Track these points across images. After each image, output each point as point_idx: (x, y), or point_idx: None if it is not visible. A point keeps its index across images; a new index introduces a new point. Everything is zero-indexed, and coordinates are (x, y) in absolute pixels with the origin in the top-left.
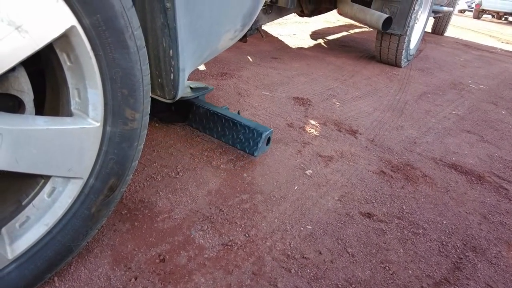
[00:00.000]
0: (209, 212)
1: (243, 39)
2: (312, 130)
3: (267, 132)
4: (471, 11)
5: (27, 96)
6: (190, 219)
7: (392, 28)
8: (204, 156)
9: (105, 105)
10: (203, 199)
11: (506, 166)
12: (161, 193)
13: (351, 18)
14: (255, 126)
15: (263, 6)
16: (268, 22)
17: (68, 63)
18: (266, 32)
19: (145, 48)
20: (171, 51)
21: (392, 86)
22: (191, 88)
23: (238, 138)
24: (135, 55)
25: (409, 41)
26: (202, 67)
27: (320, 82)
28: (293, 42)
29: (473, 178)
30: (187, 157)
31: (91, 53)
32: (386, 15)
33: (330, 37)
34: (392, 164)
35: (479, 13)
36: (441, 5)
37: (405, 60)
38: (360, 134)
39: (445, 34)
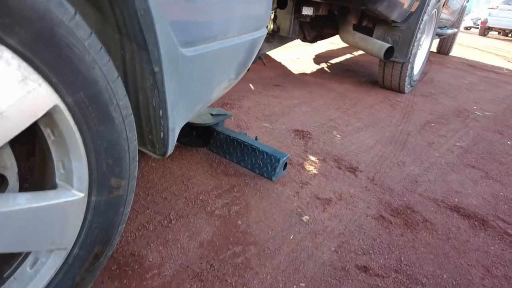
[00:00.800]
0: (200, 268)
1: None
2: (311, 168)
3: (284, 158)
4: (477, 28)
5: (10, 172)
6: (180, 276)
7: (395, 56)
8: (199, 200)
9: (90, 176)
10: (195, 252)
11: (511, 208)
12: (152, 245)
13: (353, 46)
14: (272, 152)
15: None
16: (270, 50)
17: (52, 138)
18: (269, 57)
19: (132, 116)
20: (160, 112)
21: (395, 115)
22: (211, 114)
23: (256, 163)
24: (120, 125)
25: (412, 68)
26: None
27: (321, 111)
28: (296, 67)
29: (476, 222)
30: (181, 202)
31: (75, 128)
32: (388, 45)
33: (334, 61)
34: (392, 207)
35: (485, 31)
36: (446, 27)
37: (408, 86)
38: (360, 171)
39: (450, 54)
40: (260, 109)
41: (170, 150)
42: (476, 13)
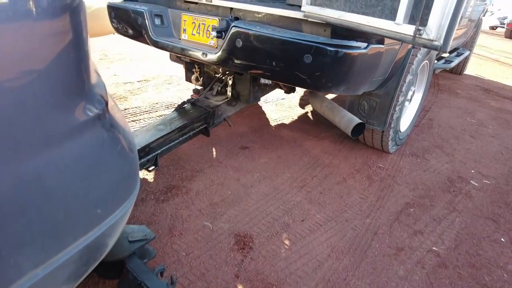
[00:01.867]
0: None
1: (206, 133)
2: None
3: None
4: (503, 27)
5: None
6: None
7: (371, 124)
8: None
9: None
10: None
11: None
12: None
13: (320, 113)
14: None
15: (225, 98)
16: (235, 112)
17: None
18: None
19: None
20: None
21: (368, 196)
22: (129, 241)
23: None
24: None
25: (396, 131)
26: (150, 176)
27: (281, 194)
28: (275, 115)
29: None
30: None
31: None
32: (356, 121)
33: None
34: None
35: (511, 33)
36: (452, 56)
37: (394, 147)
38: None
39: (464, 73)
40: (210, 194)
41: None
42: (503, 11)
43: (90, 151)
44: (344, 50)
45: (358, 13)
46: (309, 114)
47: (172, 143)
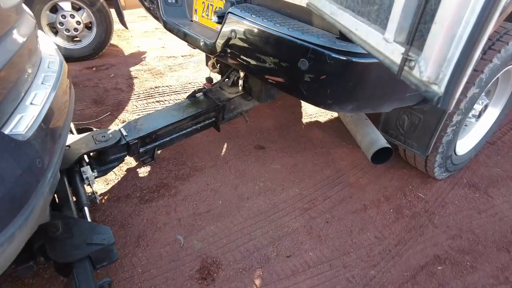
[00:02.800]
0: None
1: (216, 128)
2: None
3: None
4: None
5: None
6: None
7: (410, 144)
8: None
9: None
10: None
11: None
12: None
13: (344, 124)
14: None
15: (239, 92)
16: (252, 107)
17: None
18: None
19: None
20: None
21: (387, 237)
22: (86, 243)
23: None
24: None
25: (448, 156)
26: (147, 170)
27: (277, 217)
28: (313, 109)
29: None
30: None
31: None
32: (380, 146)
33: None
34: None
35: None
36: None
37: (442, 172)
38: None
39: None
40: (197, 201)
41: None
42: None
43: None
44: (350, 58)
45: (353, 10)
46: None
47: (174, 135)
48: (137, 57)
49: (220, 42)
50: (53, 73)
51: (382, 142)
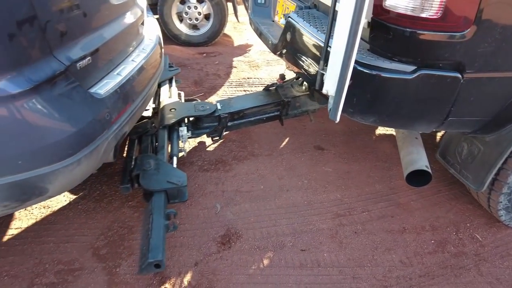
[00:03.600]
0: None
1: (280, 121)
2: None
3: (152, 260)
4: None
5: None
6: None
7: (465, 176)
8: None
9: None
10: None
11: None
12: None
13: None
14: (153, 247)
15: (304, 92)
16: (318, 108)
17: None
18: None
19: None
20: None
21: (412, 266)
22: (166, 181)
23: None
24: None
25: None
26: (215, 145)
27: (306, 213)
28: None
29: None
30: None
31: None
32: (416, 167)
33: None
34: None
35: None
36: None
37: (510, 219)
38: None
39: None
40: (244, 181)
41: None
42: None
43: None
44: (373, 72)
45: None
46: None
47: (243, 120)
48: (243, 49)
49: (280, 43)
50: (143, 55)
51: (421, 164)
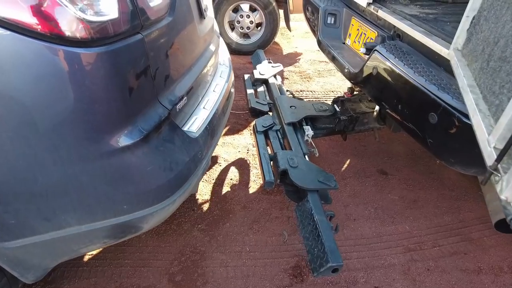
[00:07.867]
0: None
1: (343, 136)
2: None
3: (334, 264)
4: None
5: None
6: None
7: None
8: None
9: None
10: None
11: None
12: None
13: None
14: (330, 250)
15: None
16: (383, 127)
17: None
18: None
19: None
20: None
21: None
22: (318, 181)
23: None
24: None
25: None
26: None
27: (375, 246)
28: None
29: None
30: None
31: None
32: (502, 216)
33: None
34: None
35: None
36: None
37: None
38: None
39: None
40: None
41: None
42: None
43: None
44: None
45: (481, 92)
46: None
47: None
48: (293, 58)
49: (361, 74)
50: (223, 82)
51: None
